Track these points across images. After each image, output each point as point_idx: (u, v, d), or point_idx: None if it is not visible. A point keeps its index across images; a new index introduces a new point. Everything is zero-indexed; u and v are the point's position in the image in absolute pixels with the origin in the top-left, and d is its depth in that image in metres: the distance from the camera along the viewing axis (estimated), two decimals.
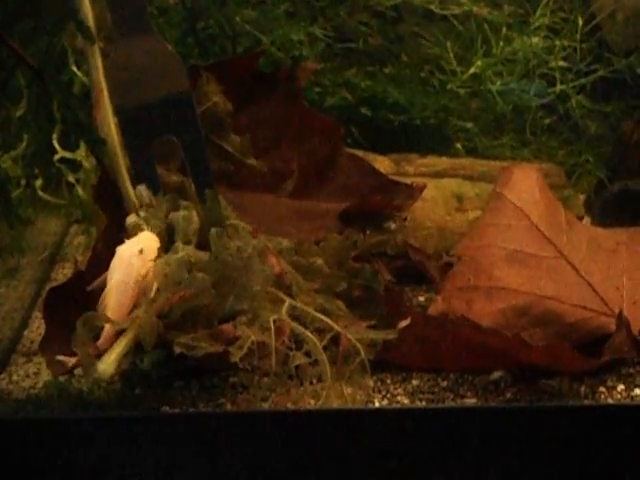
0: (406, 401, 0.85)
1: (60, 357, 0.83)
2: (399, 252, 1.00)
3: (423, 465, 0.80)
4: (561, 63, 1.20)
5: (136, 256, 0.83)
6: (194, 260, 0.84)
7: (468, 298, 0.92)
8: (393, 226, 0.98)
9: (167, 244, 0.86)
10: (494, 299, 0.91)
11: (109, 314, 0.82)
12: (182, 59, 0.94)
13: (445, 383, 0.87)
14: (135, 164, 0.93)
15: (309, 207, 1.03)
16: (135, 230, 0.87)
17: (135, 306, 0.83)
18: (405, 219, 1.00)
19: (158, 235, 0.85)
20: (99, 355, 0.81)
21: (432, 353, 0.88)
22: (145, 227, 0.86)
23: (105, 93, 0.93)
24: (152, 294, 0.82)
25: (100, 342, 0.82)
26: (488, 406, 0.83)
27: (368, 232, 0.99)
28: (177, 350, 0.80)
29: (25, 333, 0.99)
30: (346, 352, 0.84)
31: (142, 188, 0.91)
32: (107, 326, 0.82)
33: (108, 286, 0.83)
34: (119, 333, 0.82)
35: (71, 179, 1.09)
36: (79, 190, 1.09)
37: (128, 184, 0.92)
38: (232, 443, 0.80)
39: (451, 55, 1.20)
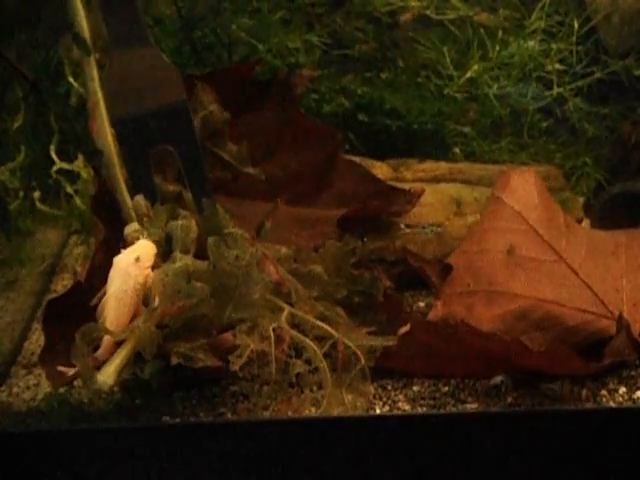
0: (407, 407, 0.85)
1: (61, 368, 0.82)
2: (398, 258, 1.00)
3: (425, 471, 0.80)
4: (557, 66, 1.20)
5: (133, 264, 0.83)
6: (192, 269, 0.84)
7: (468, 303, 0.92)
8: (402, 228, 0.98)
9: (165, 253, 0.86)
10: (494, 304, 0.91)
11: (108, 323, 0.82)
12: (178, 68, 0.95)
13: (446, 388, 0.87)
14: (132, 174, 0.93)
15: (307, 214, 1.03)
16: (134, 240, 0.87)
17: (134, 315, 0.83)
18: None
19: (156, 244, 0.85)
20: (99, 366, 0.81)
21: (433, 359, 0.88)
22: (143, 236, 0.86)
23: (102, 104, 0.93)
24: (155, 304, 0.82)
25: (99, 352, 0.82)
26: (489, 411, 0.83)
27: (366, 238, 0.98)
28: (174, 361, 0.80)
29: (25, 345, 0.99)
30: (345, 359, 0.84)
31: (140, 198, 0.91)
32: (106, 336, 0.82)
33: (106, 296, 0.83)
34: (119, 343, 0.82)
35: (69, 190, 1.09)
36: (77, 201, 1.09)
37: (126, 194, 0.92)
38: (233, 452, 0.80)
39: (447, 60, 1.20)
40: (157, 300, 0.82)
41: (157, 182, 0.94)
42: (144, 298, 0.84)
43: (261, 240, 0.89)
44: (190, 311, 0.83)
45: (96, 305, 0.84)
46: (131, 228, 0.89)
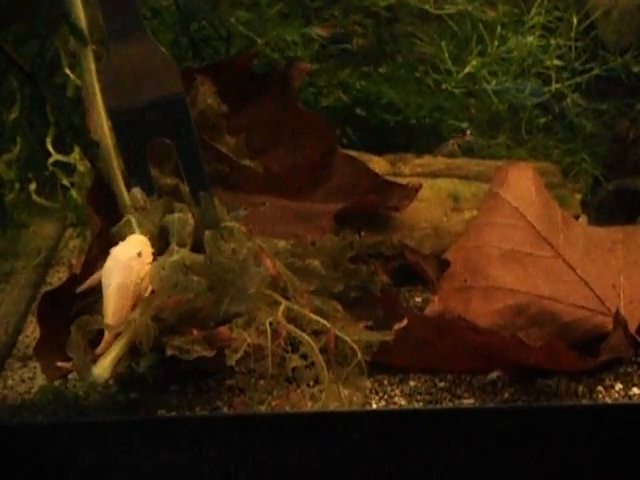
0: (403, 402, 0.85)
1: (60, 364, 0.82)
2: (395, 253, 1.00)
3: (421, 466, 0.80)
4: (556, 62, 1.20)
5: (135, 259, 0.83)
6: (189, 263, 0.84)
7: (465, 298, 0.92)
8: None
9: (162, 247, 0.86)
10: (491, 299, 0.91)
11: (109, 316, 0.81)
12: (176, 61, 0.94)
13: (442, 384, 0.87)
14: (129, 167, 0.92)
15: (304, 208, 1.03)
16: (124, 232, 0.86)
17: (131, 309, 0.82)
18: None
19: (150, 239, 0.85)
20: (95, 359, 0.80)
21: (429, 354, 0.88)
22: (136, 230, 0.86)
23: (98, 96, 0.92)
24: (146, 295, 0.81)
25: (100, 348, 0.81)
26: (486, 407, 0.83)
27: (364, 233, 0.98)
28: (169, 353, 0.80)
29: (20, 338, 0.99)
30: (338, 351, 0.83)
31: (136, 191, 0.91)
32: (106, 332, 0.81)
33: (109, 289, 0.82)
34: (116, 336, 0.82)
35: (66, 182, 1.08)
36: (74, 193, 1.08)
37: (122, 187, 0.92)
38: (229, 446, 0.80)
39: (446, 55, 1.20)
40: (148, 291, 0.82)
41: (154, 175, 0.94)
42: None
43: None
44: (187, 304, 0.82)
45: (87, 294, 0.83)
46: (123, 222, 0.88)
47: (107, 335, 0.81)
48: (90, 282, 0.84)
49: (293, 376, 0.83)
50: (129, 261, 0.82)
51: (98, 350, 0.80)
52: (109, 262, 0.83)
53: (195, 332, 0.82)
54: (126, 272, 0.82)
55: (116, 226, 0.87)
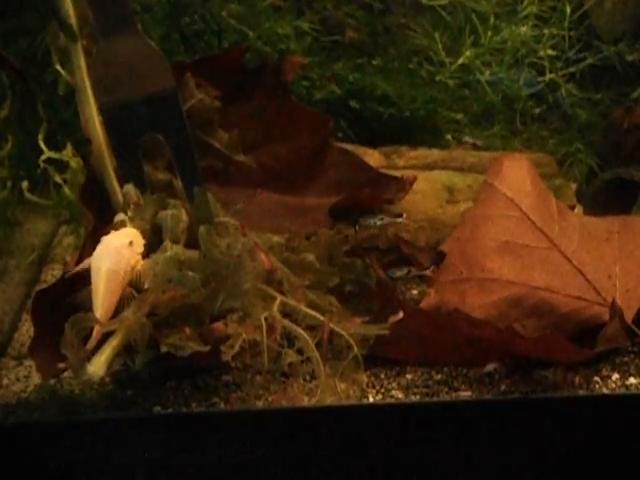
0: (400, 395, 0.85)
1: (60, 365, 0.81)
2: (391, 246, 0.99)
3: (418, 459, 0.80)
4: (550, 52, 1.20)
5: (126, 247, 0.82)
6: (183, 259, 0.83)
7: (461, 290, 0.92)
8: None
9: (155, 243, 0.85)
10: (487, 291, 0.91)
11: (99, 303, 0.80)
12: (167, 56, 0.93)
13: (439, 376, 0.87)
14: (122, 163, 0.92)
15: (299, 202, 1.02)
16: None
17: (121, 297, 0.82)
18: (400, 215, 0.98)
19: (142, 234, 0.85)
20: (89, 357, 0.80)
21: (426, 347, 0.87)
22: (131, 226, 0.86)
23: (89, 92, 0.92)
24: (144, 293, 0.81)
25: (91, 341, 0.80)
26: (483, 399, 0.83)
27: (358, 226, 0.98)
28: (164, 349, 0.80)
29: (15, 336, 0.98)
30: (334, 345, 0.83)
31: (129, 187, 0.90)
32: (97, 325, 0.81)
33: (99, 274, 0.81)
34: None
35: (58, 179, 1.08)
36: (66, 190, 1.08)
37: (115, 183, 0.91)
38: (226, 442, 0.79)
39: (439, 46, 1.19)
40: (145, 290, 0.81)
41: (147, 171, 0.93)
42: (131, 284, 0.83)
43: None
44: (181, 300, 0.82)
45: (81, 292, 0.82)
46: (121, 218, 0.88)
47: (96, 328, 0.80)
48: (80, 268, 0.83)
49: (289, 371, 0.83)
50: (120, 248, 0.82)
51: (89, 343, 0.80)
52: (99, 248, 0.83)
53: (187, 330, 0.81)
54: (116, 258, 0.82)
55: (115, 223, 0.86)
